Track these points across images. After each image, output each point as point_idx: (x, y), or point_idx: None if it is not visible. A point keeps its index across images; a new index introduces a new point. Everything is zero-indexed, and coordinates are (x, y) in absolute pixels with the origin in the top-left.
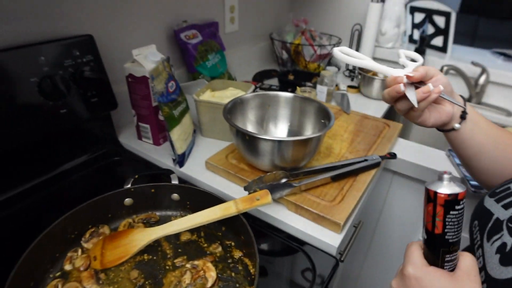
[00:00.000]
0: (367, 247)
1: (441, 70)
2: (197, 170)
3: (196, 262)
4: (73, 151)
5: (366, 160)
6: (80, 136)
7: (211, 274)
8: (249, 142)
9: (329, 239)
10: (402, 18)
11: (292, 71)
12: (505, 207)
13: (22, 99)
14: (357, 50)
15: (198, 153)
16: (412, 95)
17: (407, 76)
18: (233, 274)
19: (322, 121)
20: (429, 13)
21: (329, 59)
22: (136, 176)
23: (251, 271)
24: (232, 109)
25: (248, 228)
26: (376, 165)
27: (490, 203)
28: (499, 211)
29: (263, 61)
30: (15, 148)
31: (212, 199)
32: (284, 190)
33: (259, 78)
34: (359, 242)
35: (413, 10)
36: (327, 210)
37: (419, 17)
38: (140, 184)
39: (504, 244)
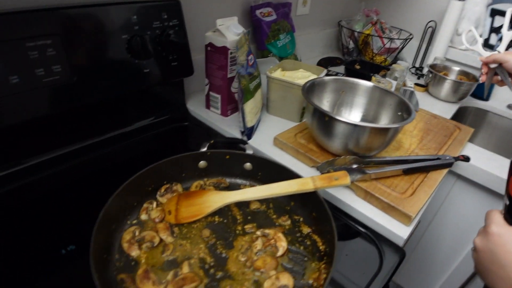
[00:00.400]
0: (414, 247)
1: None
2: (263, 145)
3: (267, 231)
4: (144, 111)
5: (439, 158)
6: (153, 97)
7: (282, 244)
8: (326, 123)
9: (397, 230)
10: (481, 19)
11: (359, 61)
12: None
13: (112, 54)
14: (427, 48)
15: (264, 129)
16: None
17: None
18: (301, 247)
19: (399, 113)
20: None
21: (396, 54)
22: (212, 141)
23: (321, 247)
24: (310, 89)
25: (326, 207)
26: (448, 165)
27: None
28: None
29: (328, 48)
30: (97, 101)
31: (286, 173)
32: (356, 175)
33: (324, 64)
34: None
35: (495, 13)
36: (398, 201)
37: (499, 21)
38: (215, 150)
39: None
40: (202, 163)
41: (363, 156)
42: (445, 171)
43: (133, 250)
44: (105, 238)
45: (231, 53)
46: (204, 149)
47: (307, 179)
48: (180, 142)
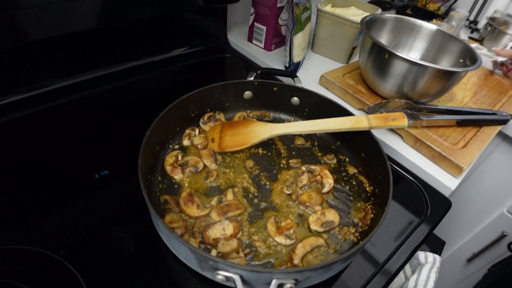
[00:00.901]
0: None
1: None
2: (307, 84)
3: (313, 167)
4: (181, 39)
5: (494, 114)
6: (192, 24)
7: (329, 181)
8: (385, 61)
9: (446, 180)
10: None
11: (411, 6)
12: None
13: None
14: (486, 0)
15: (309, 68)
16: None
17: None
18: (347, 187)
19: (461, 60)
20: None
21: (451, 4)
22: (259, 72)
23: (367, 189)
24: (368, 25)
25: (380, 147)
26: (504, 121)
27: None
28: None
29: None
30: (135, 21)
31: (336, 110)
32: (408, 120)
33: None
34: None
35: None
36: (450, 152)
37: None
38: (263, 80)
39: None
40: (247, 94)
41: (416, 102)
42: (499, 127)
43: (176, 173)
44: (150, 158)
45: None
46: (251, 79)
47: (362, 117)
48: (217, 75)
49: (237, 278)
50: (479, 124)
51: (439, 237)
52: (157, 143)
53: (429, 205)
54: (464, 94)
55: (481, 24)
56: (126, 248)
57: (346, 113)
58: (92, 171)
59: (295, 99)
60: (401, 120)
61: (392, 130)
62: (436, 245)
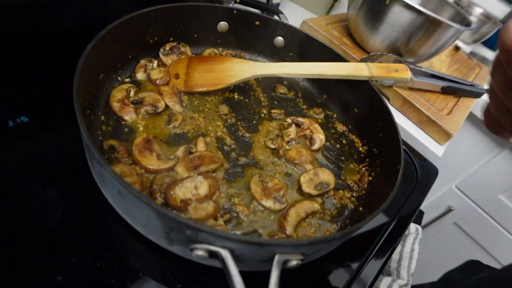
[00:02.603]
0: None
1: None
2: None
3: (301, 119)
4: None
5: (472, 85)
6: None
7: (320, 137)
8: (384, 8)
9: (432, 147)
10: None
11: None
12: None
13: None
14: None
15: (287, 12)
16: None
17: None
18: (337, 145)
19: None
20: None
21: None
22: (238, 0)
23: (360, 149)
24: None
25: (383, 101)
26: (480, 94)
27: None
28: None
29: None
30: None
31: (329, 57)
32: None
33: None
34: None
35: None
36: (438, 117)
37: None
38: (244, 9)
39: None
40: (222, 25)
41: (405, 60)
42: (475, 100)
43: (126, 112)
44: (90, 87)
45: None
46: (230, 5)
47: (361, 64)
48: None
49: (226, 254)
50: (460, 93)
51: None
52: (101, 68)
53: (419, 172)
54: (440, 64)
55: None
56: (51, 213)
57: (341, 60)
58: (4, 116)
59: (279, 39)
60: (404, 72)
61: (378, 90)
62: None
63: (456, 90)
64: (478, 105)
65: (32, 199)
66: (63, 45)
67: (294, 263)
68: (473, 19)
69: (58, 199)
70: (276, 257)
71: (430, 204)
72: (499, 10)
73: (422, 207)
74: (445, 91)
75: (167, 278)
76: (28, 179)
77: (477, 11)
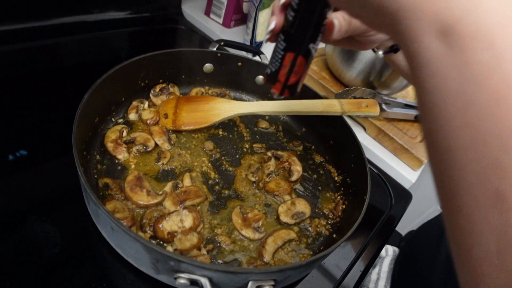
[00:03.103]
0: None
1: None
2: None
3: (280, 153)
4: (132, 1)
5: None
6: None
7: (297, 169)
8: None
9: (407, 173)
10: None
11: None
12: None
13: None
14: None
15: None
16: None
17: None
18: (315, 176)
19: None
20: None
21: None
22: (222, 43)
23: (336, 178)
24: None
25: (353, 133)
26: None
27: None
28: None
29: None
30: None
31: (306, 93)
32: None
33: None
34: None
35: None
36: (411, 145)
37: None
38: (227, 52)
39: None
40: (207, 66)
41: (378, 93)
42: None
43: (120, 152)
44: (86, 131)
45: None
46: (214, 49)
47: (334, 101)
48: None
49: (205, 281)
50: None
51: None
52: (96, 113)
53: (393, 198)
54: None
55: None
56: (50, 246)
57: (317, 96)
58: (5, 150)
59: (260, 78)
60: (374, 108)
61: (355, 121)
62: (394, 238)
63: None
64: None
65: (33, 233)
66: (60, 83)
67: (266, 287)
68: None
69: (57, 234)
70: (250, 284)
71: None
72: None
73: (407, 230)
74: (418, 119)
75: None
76: (30, 214)
77: None
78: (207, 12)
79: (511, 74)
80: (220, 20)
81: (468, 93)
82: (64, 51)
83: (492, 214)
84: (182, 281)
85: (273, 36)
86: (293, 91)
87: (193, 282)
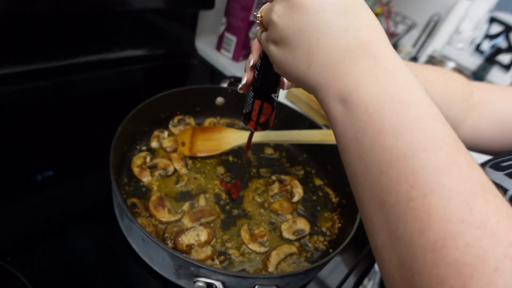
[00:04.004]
0: None
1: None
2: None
3: (283, 177)
4: (148, 38)
5: None
6: (160, 25)
7: (298, 191)
8: None
9: None
10: (480, 23)
11: None
12: None
13: None
14: (426, 39)
15: None
16: None
17: None
18: (314, 197)
19: None
20: (508, 28)
21: (397, 40)
22: (232, 79)
23: (333, 200)
24: None
25: None
26: None
27: (498, 176)
28: None
29: None
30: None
31: (303, 122)
32: None
33: None
34: None
35: (493, 20)
36: None
37: (495, 29)
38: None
39: None
40: (219, 100)
41: None
42: None
43: (144, 176)
44: (117, 158)
45: None
46: (225, 85)
47: (330, 131)
48: (183, 81)
49: (219, 284)
50: None
51: None
52: (125, 142)
53: None
54: None
55: (421, 61)
56: (86, 255)
57: (316, 126)
58: (36, 171)
59: None
60: None
61: None
62: None
63: None
64: None
65: (72, 244)
66: (88, 114)
67: None
68: None
69: (92, 245)
70: (256, 287)
71: None
72: (473, 63)
73: None
74: None
75: None
76: (69, 228)
77: (450, 65)
78: (218, 48)
79: (381, 126)
80: (230, 55)
81: (359, 138)
82: (90, 86)
83: (380, 216)
84: (200, 284)
85: (245, 88)
86: (265, 127)
87: (209, 285)
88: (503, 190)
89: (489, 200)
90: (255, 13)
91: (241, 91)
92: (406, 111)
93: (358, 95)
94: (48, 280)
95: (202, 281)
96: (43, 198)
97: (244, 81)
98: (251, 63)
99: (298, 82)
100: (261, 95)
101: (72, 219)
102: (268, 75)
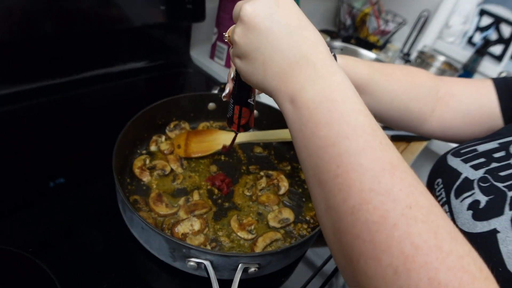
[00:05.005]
0: None
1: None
2: (265, 98)
3: (270, 172)
4: (145, 52)
5: None
6: (158, 39)
7: (284, 184)
8: None
9: None
10: (470, 17)
11: (355, 38)
12: (475, 167)
13: None
14: (417, 35)
15: None
16: None
17: None
18: (300, 190)
19: None
20: (498, 20)
21: (388, 37)
22: (222, 86)
23: None
24: None
25: None
26: (427, 138)
27: (456, 162)
28: (467, 171)
29: (325, 21)
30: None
31: None
32: None
33: None
34: None
35: (483, 12)
36: None
37: (486, 21)
38: None
39: (476, 201)
40: (211, 105)
41: None
42: (425, 142)
43: (144, 176)
44: (120, 161)
45: None
46: (216, 91)
47: None
48: (180, 88)
49: (207, 263)
50: (408, 140)
51: None
52: (126, 147)
53: None
54: None
55: (412, 56)
56: (96, 246)
57: None
58: (50, 177)
59: (255, 112)
60: None
61: None
62: None
63: (403, 137)
64: (429, 147)
65: (84, 237)
66: (93, 123)
67: (252, 269)
68: (432, 70)
69: (100, 237)
70: (240, 265)
71: None
72: (464, 56)
73: None
74: (394, 139)
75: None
76: (81, 224)
77: (440, 59)
78: (212, 56)
79: (317, 119)
80: (223, 63)
81: (303, 130)
82: (96, 98)
83: (319, 191)
84: (191, 263)
85: (228, 96)
86: (246, 128)
87: (199, 264)
88: (458, 174)
89: (395, 174)
90: (224, 34)
91: (224, 99)
92: (336, 108)
93: (302, 96)
94: (64, 266)
95: (193, 261)
96: (57, 200)
97: (226, 91)
98: (232, 75)
99: (259, 87)
100: (239, 101)
101: (82, 216)
102: (243, 84)
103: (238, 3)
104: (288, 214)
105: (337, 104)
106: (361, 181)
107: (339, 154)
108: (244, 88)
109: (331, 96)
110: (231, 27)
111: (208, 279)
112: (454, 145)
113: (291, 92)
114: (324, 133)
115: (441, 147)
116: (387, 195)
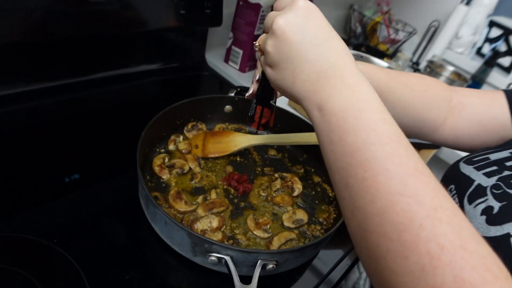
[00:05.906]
0: None
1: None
2: (279, 102)
3: (285, 174)
4: (163, 53)
5: None
6: (174, 42)
7: (298, 186)
8: None
9: None
10: (479, 28)
11: (365, 46)
12: (487, 175)
13: None
14: (427, 45)
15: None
16: None
17: None
18: (313, 192)
19: None
20: (507, 32)
21: (398, 46)
22: (238, 89)
23: (330, 194)
24: None
25: None
26: (439, 146)
27: (468, 170)
28: (480, 178)
29: (335, 29)
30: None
31: (304, 126)
32: None
33: None
34: None
35: (492, 24)
36: None
37: (495, 32)
38: (243, 96)
39: (490, 207)
40: (228, 108)
41: None
42: (434, 151)
43: (164, 173)
44: (142, 159)
45: (262, 11)
46: (232, 94)
47: None
48: (195, 90)
49: (228, 258)
50: (418, 147)
51: None
52: (147, 145)
53: None
54: None
55: (422, 66)
56: (118, 238)
57: (312, 129)
58: (69, 172)
59: None
60: None
61: None
62: None
63: (414, 144)
64: (438, 155)
65: (107, 229)
66: (112, 122)
67: (270, 266)
68: (441, 79)
69: (122, 230)
70: (259, 262)
71: None
72: (473, 67)
73: None
74: None
75: (190, 283)
76: (104, 216)
77: (450, 69)
78: (226, 60)
79: (345, 127)
80: (237, 66)
81: (330, 136)
82: (113, 97)
83: (346, 193)
84: (213, 258)
85: (251, 96)
86: (266, 127)
87: (219, 259)
88: (471, 181)
89: (420, 178)
90: (254, 43)
91: (247, 98)
92: (362, 116)
93: (329, 105)
94: (88, 256)
95: (214, 255)
96: (83, 194)
97: (250, 91)
98: (257, 77)
99: (287, 94)
100: (262, 102)
101: (106, 210)
102: (267, 87)
103: (270, 14)
104: (302, 215)
105: (363, 113)
106: (388, 184)
107: (366, 160)
108: (267, 91)
109: (357, 105)
110: (261, 36)
111: (226, 275)
112: (462, 153)
113: (319, 100)
114: (351, 139)
115: (450, 155)
116: (413, 197)
